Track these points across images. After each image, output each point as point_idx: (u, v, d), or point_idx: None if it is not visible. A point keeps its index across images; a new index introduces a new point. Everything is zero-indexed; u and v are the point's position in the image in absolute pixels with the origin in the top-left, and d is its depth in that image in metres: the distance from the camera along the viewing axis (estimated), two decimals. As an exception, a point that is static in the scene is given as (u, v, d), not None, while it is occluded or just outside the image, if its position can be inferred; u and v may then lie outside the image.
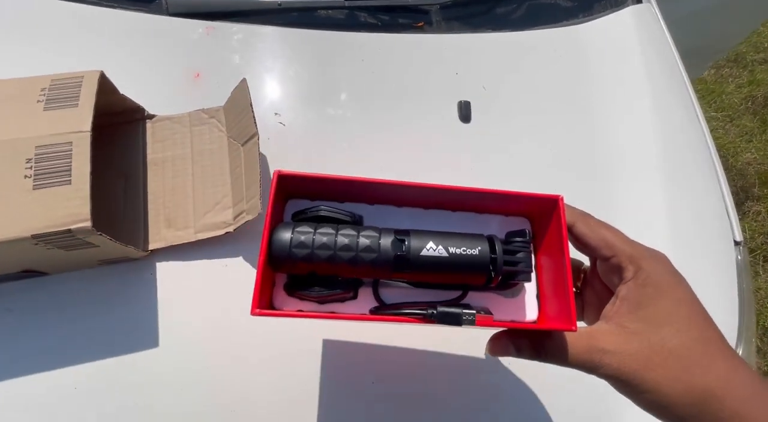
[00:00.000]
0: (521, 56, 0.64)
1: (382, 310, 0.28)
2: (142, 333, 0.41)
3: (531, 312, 0.30)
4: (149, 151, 0.47)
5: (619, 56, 0.66)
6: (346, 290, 0.27)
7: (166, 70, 0.53)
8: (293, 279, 0.28)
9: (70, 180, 0.34)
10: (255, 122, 0.43)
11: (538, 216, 0.31)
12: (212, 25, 0.57)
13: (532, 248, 0.30)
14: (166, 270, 0.43)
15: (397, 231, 0.27)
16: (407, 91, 0.57)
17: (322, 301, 0.28)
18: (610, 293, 0.28)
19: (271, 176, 0.27)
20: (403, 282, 0.29)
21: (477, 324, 0.24)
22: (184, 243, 0.43)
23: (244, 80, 0.45)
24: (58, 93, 0.37)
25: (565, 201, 0.28)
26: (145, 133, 0.47)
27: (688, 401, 0.23)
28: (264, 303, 0.26)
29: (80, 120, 0.36)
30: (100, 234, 0.34)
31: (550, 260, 0.29)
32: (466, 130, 0.56)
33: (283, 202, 0.30)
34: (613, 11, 0.72)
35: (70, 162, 0.35)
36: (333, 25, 0.63)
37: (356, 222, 0.28)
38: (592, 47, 0.67)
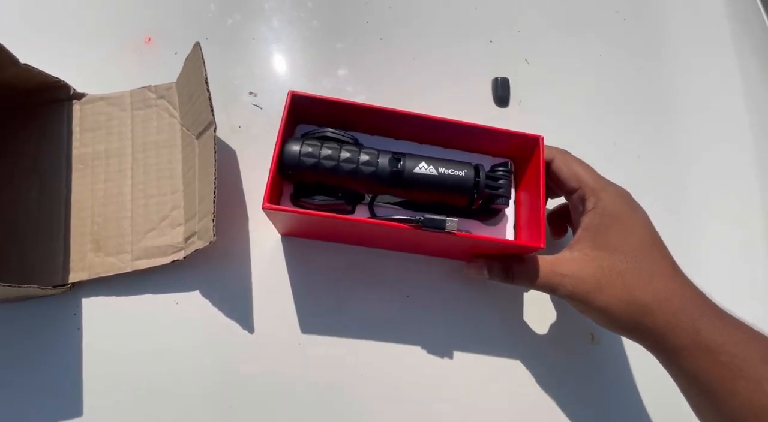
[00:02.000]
0: (573, 19, 0.49)
1: (372, 218, 0.31)
2: (60, 398, 0.30)
3: (509, 237, 0.33)
4: (75, 143, 0.34)
5: (700, 23, 0.51)
6: (346, 202, 0.30)
7: (105, 31, 0.40)
8: (298, 188, 0.31)
9: None
10: (211, 106, 0.30)
11: (521, 158, 0.34)
12: (173, -26, 0.44)
13: (512, 179, 0.34)
14: (94, 309, 0.32)
15: (394, 153, 0.30)
16: (425, 64, 0.44)
17: (322, 209, 0.30)
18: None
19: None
20: (396, 199, 0.33)
21: (457, 234, 0.28)
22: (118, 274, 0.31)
23: (197, 46, 0.32)
24: None
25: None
26: (70, 119, 0.35)
27: (629, 316, 0.27)
28: (273, 201, 0.28)
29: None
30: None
31: (527, 196, 0.32)
32: (503, 116, 0.43)
33: (293, 124, 0.32)
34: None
35: None
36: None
37: (358, 145, 0.31)
38: (666, 11, 0.51)
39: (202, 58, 0.31)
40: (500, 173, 0.31)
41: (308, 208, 0.30)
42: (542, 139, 0.31)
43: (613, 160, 0.43)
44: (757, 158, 0.45)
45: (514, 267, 0.30)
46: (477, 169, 0.31)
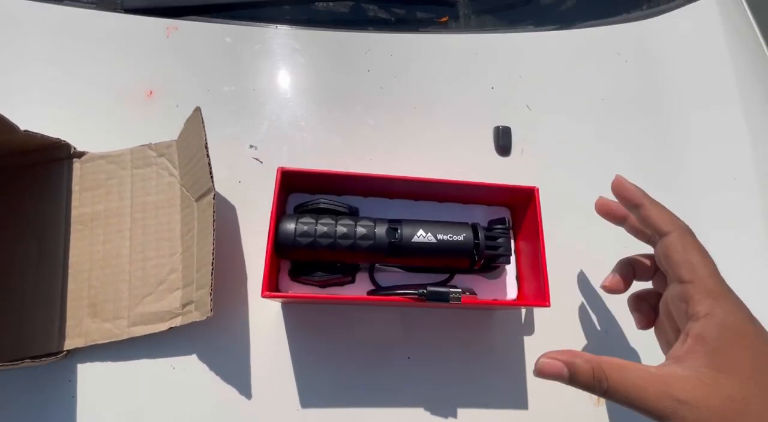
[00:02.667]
0: (574, 63, 0.49)
1: (378, 292, 0.31)
2: (52, 470, 0.29)
3: (511, 291, 0.33)
4: (74, 203, 0.34)
5: (701, 61, 0.51)
6: (345, 275, 0.30)
7: (107, 85, 0.40)
8: (296, 265, 0.31)
9: None
10: (211, 173, 0.30)
11: (517, 206, 0.34)
12: (175, 25, 0.44)
13: (511, 234, 0.34)
14: (90, 376, 0.31)
15: (390, 221, 0.30)
16: (426, 114, 0.43)
17: (323, 285, 0.31)
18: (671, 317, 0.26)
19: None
20: (396, 267, 0.32)
21: (462, 302, 0.28)
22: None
23: (197, 110, 0.32)
24: None
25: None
26: (70, 178, 0.35)
27: None
28: (271, 287, 0.28)
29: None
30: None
31: (527, 245, 0.33)
32: (505, 165, 0.42)
33: (285, 195, 0.33)
34: (687, 1, 0.57)
35: None
36: (334, 21, 0.49)
37: (353, 213, 0.31)
38: (666, 49, 0.51)
39: (203, 123, 0.31)
40: (499, 232, 0.31)
41: (308, 284, 0.30)
42: (537, 190, 0.32)
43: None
44: (762, 205, 0.44)
45: (610, 375, 0.23)
46: (475, 229, 0.31)
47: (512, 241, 0.34)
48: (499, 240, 0.31)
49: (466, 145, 0.42)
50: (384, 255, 0.29)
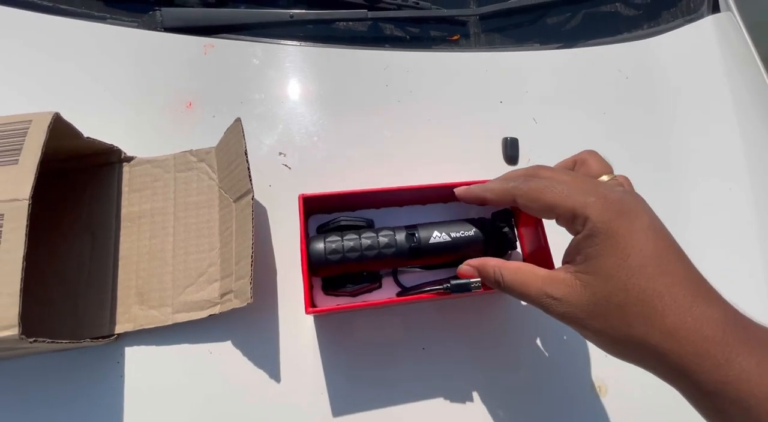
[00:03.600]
0: (578, 79, 0.53)
1: (405, 292, 0.34)
2: (102, 441, 0.33)
3: None
4: (124, 202, 0.38)
5: (699, 79, 0.54)
6: (372, 282, 0.34)
7: (151, 97, 0.44)
8: (327, 281, 0.34)
9: (-4, 268, 0.26)
10: (249, 175, 0.34)
11: None
12: (212, 43, 0.48)
13: (514, 222, 0.36)
14: (136, 358, 0.35)
15: (407, 227, 0.33)
16: (440, 125, 0.47)
17: (354, 294, 0.34)
18: None
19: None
20: (416, 268, 0.36)
21: (482, 290, 0.30)
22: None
23: (237, 120, 0.36)
24: (-6, 144, 0.29)
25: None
26: (120, 180, 0.39)
27: (629, 349, 0.23)
28: (312, 303, 0.31)
29: (18, 183, 0.28)
30: (35, 341, 0.26)
31: (528, 230, 0.36)
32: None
33: (306, 218, 0.35)
34: (686, 21, 0.60)
35: (-1, 243, 0.26)
36: (353, 39, 0.53)
37: (370, 226, 0.34)
38: (666, 67, 0.55)
39: (242, 132, 0.35)
40: (502, 221, 0.34)
41: (340, 295, 0.33)
42: None
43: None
44: (757, 213, 0.47)
45: (505, 275, 0.27)
46: (482, 222, 0.34)
47: (515, 229, 0.37)
48: (504, 230, 0.33)
49: (476, 155, 0.46)
50: (406, 258, 0.32)
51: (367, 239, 0.31)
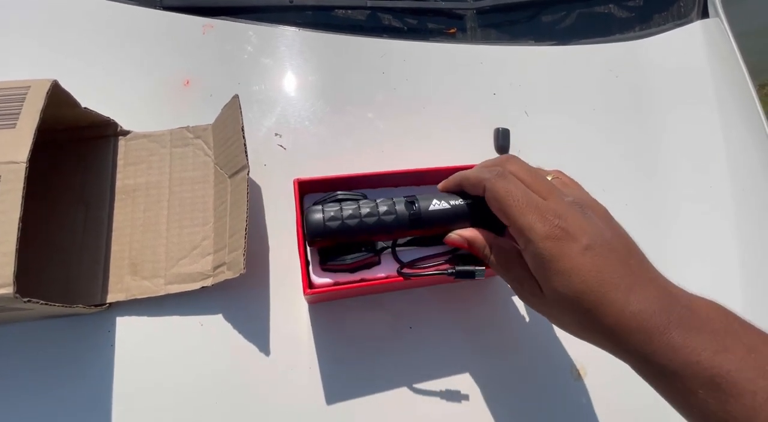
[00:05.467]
0: (570, 75, 0.54)
1: (410, 271, 0.32)
2: (92, 408, 0.33)
3: None
4: (119, 175, 0.38)
5: (685, 80, 0.56)
6: (372, 255, 0.33)
7: (149, 74, 0.45)
8: (324, 253, 0.33)
9: (-8, 228, 0.26)
10: (246, 151, 0.34)
11: None
12: (211, 23, 0.49)
13: None
14: (127, 327, 0.35)
15: (406, 197, 0.32)
16: (434, 114, 0.48)
17: (353, 268, 0.33)
18: None
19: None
20: (414, 245, 0.34)
21: (486, 277, 0.31)
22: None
23: (235, 97, 0.37)
24: (-7, 108, 0.29)
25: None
26: (115, 153, 0.39)
27: (586, 340, 0.27)
28: (310, 283, 0.32)
29: (16, 147, 0.28)
30: (28, 301, 0.26)
31: None
32: (503, 163, 0.47)
33: (301, 197, 0.35)
34: (676, 25, 0.62)
35: (-5, 203, 0.26)
36: (351, 27, 0.54)
37: (370, 199, 0.33)
38: (655, 67, 0.56)
39: (240, 109, 0.35)
40: None
41: (341, 270, 0.33)
42: None
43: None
44: (735, 206, 0.49)
45: (493, 255, 0.29)
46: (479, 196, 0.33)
47: None
48: None
49: (469, 143, 0.47)
50: (406, 228, 0.31)
51: (366, 207, 0.31)
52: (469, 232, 0.31)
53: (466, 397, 0.37)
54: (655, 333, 0.23)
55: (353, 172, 0.36)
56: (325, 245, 0.32)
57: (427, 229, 0.32)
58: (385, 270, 0.34)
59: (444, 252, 0.33)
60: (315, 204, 0.33)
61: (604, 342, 0.25)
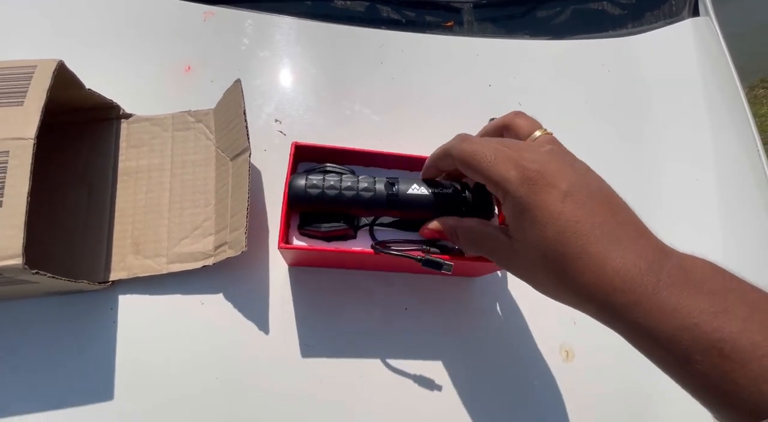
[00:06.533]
0: (563, 69, 0.55)
1: (381, 247, 0.32)
2: (94, 384, 0.34)
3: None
4: (122, 157, 0.39)
5: (675, 76, 0.58)
6: (348, 227, 0.33)
7: (151, 59, 0.45)
8: (304, 218, 0.34)
9: (1, 201, 0.27)
10: (247, 134, 0.35)
11: None
12: (212, 11, 0.49)
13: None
14: (129, 305, 0.36)
15: (388, 178, 0.33)
16: (431, 103, 0.49)
17: (329, 236, 0.34)
18: None
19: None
20: (392, 225, 0.35)
21: (452, 274, 0.34)
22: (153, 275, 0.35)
23: (237, 82, 0.37)
24: None
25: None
26: (118, 136, 0.40)
27: (561, 299, 0.25)
28: (287, 240, 0.33)
29: (24, 123, 0.29)
30: (36, 273, 0.27)
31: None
32: (497, 152, 0.48)
33: (295, 163, 0.36)
34: (667, 23, 0.64)
35: (4, 178, 0.27)
36: (350, 18, 0.54)
37: (355, 175, 0.34)
38: (645, 63, 0.58)
39: (242, 93, 0.36)
40: (481, 187, 0.34)
41: (315, 236, 0.33)
42: None
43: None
44: (719, 199, 0.51)
45: (460, 234, 0.30)
46: (465, 187, 0.34)
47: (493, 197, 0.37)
48: (485, 197, 0.34)
49: (464, 132, 0.48)
50: (383, 208, 0.32)
51: (347, 180, 0.32)
52: (435, 222, 0.31)
53: (452, 381, 0.38)
54: (644, 294, 0.20)
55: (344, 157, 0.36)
56: (306, 210, 0.33)
57: (405, 212, 0.33)
58: (359, 246, 0.34)
59: (423, 240, 0.33)
60: (306, 171, 0.34)
61: (585, 304, 0.23)
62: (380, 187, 0.32)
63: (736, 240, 0.49)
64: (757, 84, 1.74)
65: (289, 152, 0.35)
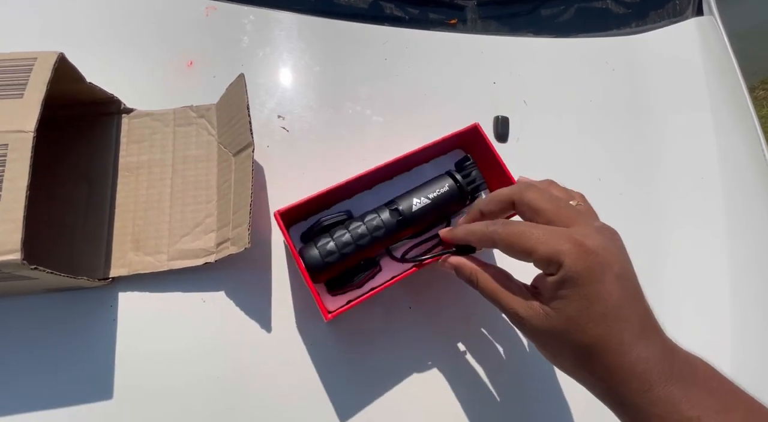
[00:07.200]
0: (568, 67, 0.55)
1: (415, 260, 0.32)
2: (94, 382, 0.33)
3: None
4: (122, 152, 0.38)
5: (679, 74, 0.57)
6: (372, 267, 0.33)
7: (152, 53, 0.45)
8: (329, 283, 0.33)
9: (-1, 195, 0.26)
10: (251, 129, 0.35)
11: (469, 144, 0.41)
12: (214, 5, 0.49)
13: (475, 164, 0.37)
14: (129, 303, 0.35)
15: (387, 204, 0.33)
16: (435, 100, 0.49)
17: (360, 285, 0.34)
18: None
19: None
20: (406, 239, 0.35)
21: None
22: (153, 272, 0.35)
23: (241, 76, 0.37)
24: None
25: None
26: (119, 131, 0.39)
27: (572, 373, 0.26)
28: (325, 311, 0.31)
29: (23, 116, 0.28)
30: (35, 268, 0.26)
31: (491, 172, 0.38)
32: (502, 150, 0.47)
33: (287, 228, 0.35)
34: (671, 22, 0.63)
35: (3, 171, 0.27)
36: (353, 15, 0.54)
37: (350, 217, 0.34)
38: (650, 61, 0.58)
39: (245, 88, 0.36)
40: (469, 168, 0.35)
41: (348, 291, 0.34)
42: (478, 125, 0.38)
43: (597, 195, 0.47)
44: (723, 201, 0.50)
45: (479, 279, 0.29)
46: (452, 175, 0.35)
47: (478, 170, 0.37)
48: (473, 174, 0.35)
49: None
50: (396, 231, 0.32)
51: (356, 229, 0.31)
52: (456, 259, 0.31)
53: (455, 379, 0.38)
54: (656, 383, 0.22)
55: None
56: (330, 277, 0.33)
57: (416, 227, 0.33)
58: (386, 274, 0.35)
59: (429, 237, 0.34)
60: (303, 236, 0.34)
61: (597, 382, 0.24)
62: (386, 216, 0.32)
63: (741, 238, 0.49)
64: (757, 85, 1.74)
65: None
